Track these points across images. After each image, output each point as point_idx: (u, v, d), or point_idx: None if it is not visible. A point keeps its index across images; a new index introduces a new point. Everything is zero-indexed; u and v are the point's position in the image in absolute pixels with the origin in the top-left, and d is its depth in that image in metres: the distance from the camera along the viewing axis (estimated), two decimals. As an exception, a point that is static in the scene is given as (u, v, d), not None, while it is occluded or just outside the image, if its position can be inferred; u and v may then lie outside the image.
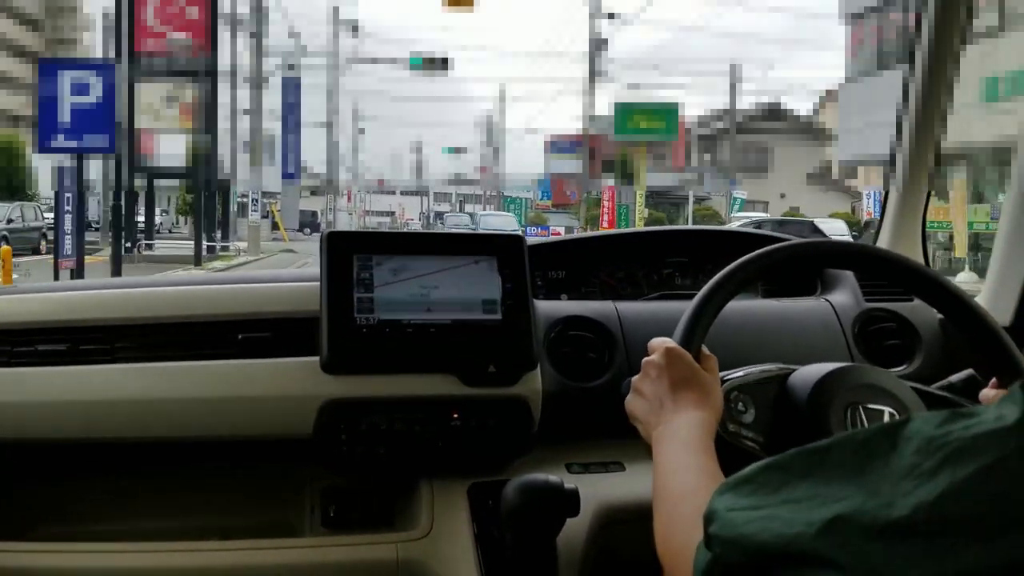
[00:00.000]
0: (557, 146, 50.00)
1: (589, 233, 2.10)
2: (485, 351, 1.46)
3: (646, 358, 1.04)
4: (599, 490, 1.49)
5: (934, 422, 0.58)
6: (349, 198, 52.75)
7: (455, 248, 1.51)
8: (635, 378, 1.05)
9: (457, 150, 63.13)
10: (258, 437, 1.48)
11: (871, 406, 1.04)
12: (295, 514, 1.62)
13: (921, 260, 1.93)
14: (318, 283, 1.45)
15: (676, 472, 0.89)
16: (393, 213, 66.02)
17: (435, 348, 1.45)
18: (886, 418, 1.03)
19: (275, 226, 32.85)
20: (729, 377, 1.10)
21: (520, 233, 1.59)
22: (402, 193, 70.04)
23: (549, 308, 1.62)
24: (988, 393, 1.11)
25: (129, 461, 1.60)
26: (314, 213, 43.44)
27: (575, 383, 1.55)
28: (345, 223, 43.32)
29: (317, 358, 1.43)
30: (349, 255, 1.46)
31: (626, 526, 1.48)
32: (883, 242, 1.96)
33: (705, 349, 1.07)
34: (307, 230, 38.85)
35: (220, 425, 1.45)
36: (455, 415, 1.47)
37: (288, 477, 1.63)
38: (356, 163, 61.04)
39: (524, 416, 1.49)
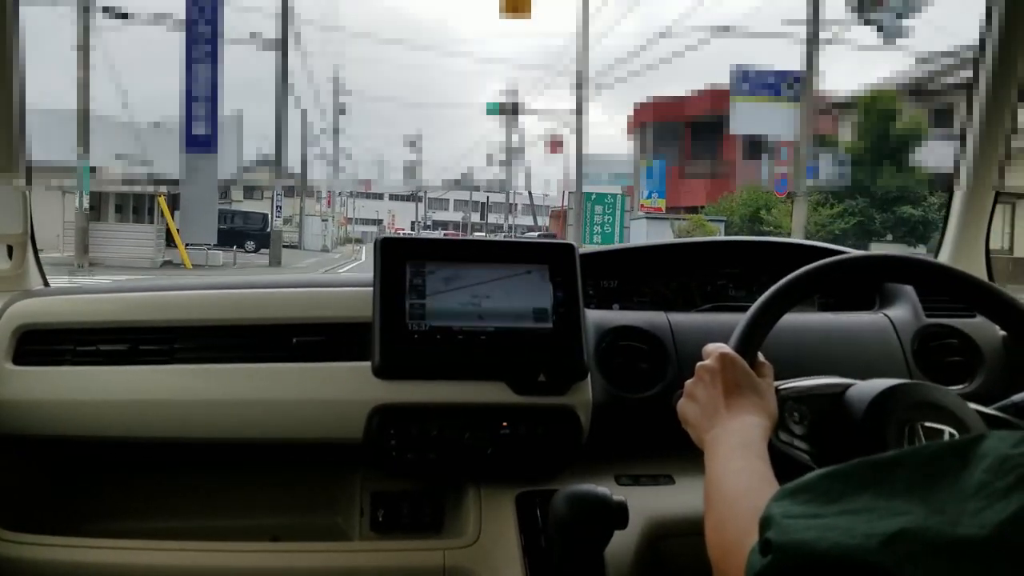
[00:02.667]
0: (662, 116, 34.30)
1: (642, 244, 2.08)
2: (535, 359, 1.46)
3: (700, 363, 1.03)
4: (648, 503, 1.48)
5: (1010, 441, 0.56)
6: (329, 202, 44.34)
7: (507, 256, 1.51)
8: (688, 382, 1.04)
9: (513, 109, 39.01)
10: (309, 440, 1.49)
11: (929, 424, 1.01)
12: (344, 518, 1.63)
13: (984, 272, 1.88)
14: (371, 289, 1.47)
15: (730, 474, 0.88)
16: (381, 221, 57.54)
17: (485, 355, 1.45)
18: (945, 438, 1.00)
19: (170, 238, 19.73)
20: (784, 387, 1.08)
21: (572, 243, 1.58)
22: (392, 197, 61.19)
23: (600, 318, 1.61)
24: None
25: (183, 461, 1.63)
26: (264, 217, 28.48)
27: (625, 394, 1.54)
28: (315, 238, 36.52)
29: (369, 363, 1.44)
30: (402, 262, 1.47)
31: (676, 540, 1.47)
32: (945, 252, 1.91)
33: (761, 356, 1.06)
34: (250, 244, 27.14)
35: (273, 427, 1.47)
36: (504, 423, 1.47)
37: (338, 481, 1.65)
38: (337, 154, 50.05)
39: (573, 426, 1.49)
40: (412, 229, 54.79)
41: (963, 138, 1.84)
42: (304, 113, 35.97)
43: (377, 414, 1.45)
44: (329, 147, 48.82)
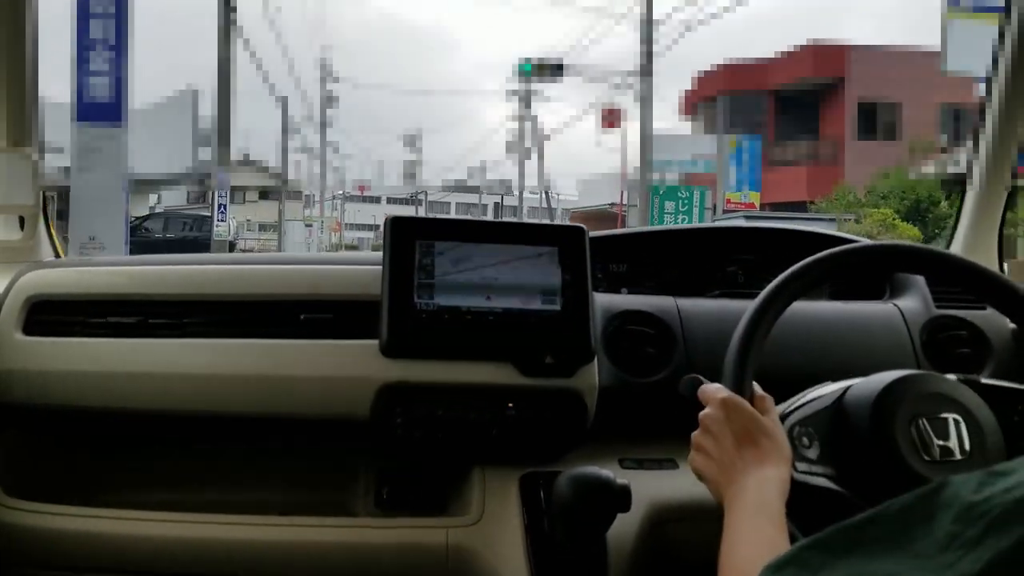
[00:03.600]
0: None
1: (652, 228, 2.07)
2: (542, 341, 1.46)
3: (703, 413, 1.01)
4: (651, 487, 1.48)
5: (971, 486, 0.56)
6: (321, 207, 39.13)
7: (517, 237, 1.51)
8: (695, 435, 1.01)
9: (554, 69, 26.52)
10: (317, 417, 1.50)
11: (935, 416, 1.00)
12: (349, 495, 1.64)
13: (996, 264, 1.87)
14: (380, 267, 1.47)
15: (741, 543, 0.87)
16: (378, 227, 54.46)
17: (493, 336, 1.45)
18: (951, 427, 1.00)
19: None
20: (787, 412, 1.07)
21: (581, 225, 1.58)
22: (390, 201, 56.64)
23: (609, 301, 1.61)
24: None
25: (192, 434, 1.65)
26: (197, 221, 21.43)
27: (632, 378, 1.54)
28: (297, 246, 29.30)
29: (376, 341, 1.44)
30: (411, 240, 1.47)
31: (678, 524, 1.47)
32: (957, 244, 1.89)
33: (758, 389, 1.04)
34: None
35: (279, 403, 1.48)
36: (510, 404, 1.47)
37: (344, 458, 1.66)
38: (324, 149, 42.85)
39: (579, 409, 1.49)
40: None
41: (976, 138, 1.82)
42: (284, 102, 31.13)
43: (384, 392, 1.45)
44: (316, 142, 42.10)
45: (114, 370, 1.47)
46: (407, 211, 54.80)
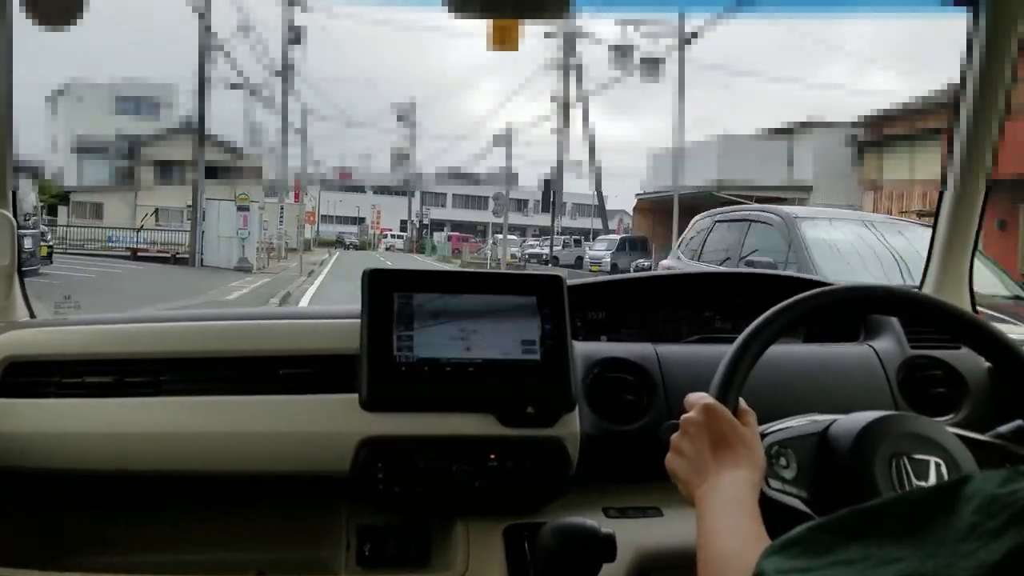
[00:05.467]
0: None
1: (630, 276, 2.09)
2: (523, 391, 1.46)
3: (684, 416, 1.02)
4: (636, 536, 1.48)
5: (996, 481, 0.56)
6: (297, 196, 29.53)
7: (495, 287, 1.52)
8: (674, 436, 1.03)
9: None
10: (296, 473, 1.48)
11: (916, 456, 1.01)
12: (330, 552, 1.61)
13: (968, 301, 1.89)
14: (359, 320, 1.47)
15: (720, 534, 0.88)
16: (363, 220, 46.69)
17: (473, 387, 1.45)
18: (932, 469, 1.00)
19: None
20: (769, 431, 1.08)
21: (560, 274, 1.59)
22: (376, 191, 49.12)
23: (588, 349, 1.61)
24: None
25: (169, 494, 1.62)
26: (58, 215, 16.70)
27: (613, 426, 1.54)
28: (225, 245, 21.77)
29: (356, 395, 1.44)
30: (390, 293, 1.47)
31: (664, 573, 1.46)
32: (930, 281, 1.92)
33: (743, 403, 1.05)
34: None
35: (259, 460, 1.46)
36: (492, 455, 1.47)
37: (325, 514, 1.63)
38: (286, 111, 29.86)
39: (561, 458, 1.48)
40: (404, 230, 42.96)
41: (950, 140, 1.83)
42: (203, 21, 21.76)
43: (364, 447, 1.44)
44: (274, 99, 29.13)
45: (90, 431, 1.45)
46: (397, 203, 47.12)
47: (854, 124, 24.27)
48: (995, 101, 1.71)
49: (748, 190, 23.56)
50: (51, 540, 1.58)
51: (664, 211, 26.92)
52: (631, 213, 35.70)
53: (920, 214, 16.50)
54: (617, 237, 29.36)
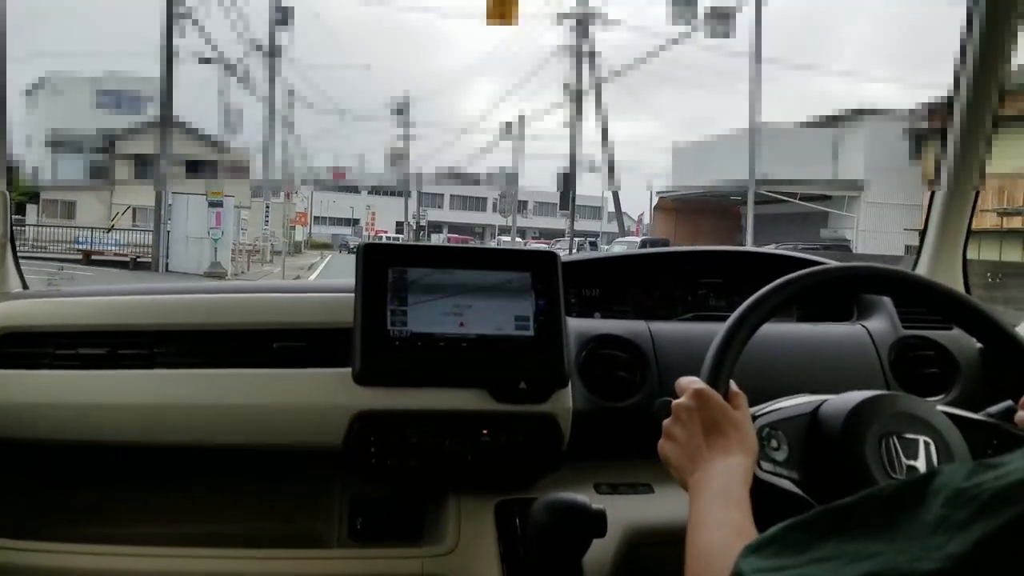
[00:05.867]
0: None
1: (624, 252, 2.09)
2: (516, 367, 1.46)
3: (675, 401, 1.03)
4: (627, 511, 1.49)
5: (962, 474, 0.57)
6: (288, 196, 27.12)
7: (489, 263, 1.51)
8: (666, 422, 1.03)
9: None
10: (289, 446, 1.49)
11: (906, 436, 1.02)
12: (323, 525, 1.62)
13: (961, 283, 1.90)
14: (353, 295, 1.47)
15: (708, 527, 0.88)
16: (357, 222, 44.58)
17: (466, 362, 1.45)
18: (921, 447, 1.01)
19: None
20: (759, 414, 1.08)
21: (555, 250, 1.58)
22: (372, 192, 47.31)
23: (582, 326, 1.61)
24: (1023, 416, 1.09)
25: (162, 466, 1.62)
26: None
27: (606, 402, 1.54)
28: (193, 247, 19.16)
29: (350, 369, 1.44)
30: (384, 267, 1.47)
31: (654, 548, 1.47)
32: (923, 262, 1.92)
33: (734, 386, 1.05)
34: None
35: (252, 433, 1.46)
36: (485, 431, 1.47)
37: (317, 488, 1.64)
38: (273, 96, 27.72)
39: (554, 434, 1.49)
40: (401, 232, 40.64)
41: (943, 137, 1.84)
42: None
43: (357, 420, 1.44)
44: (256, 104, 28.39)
45: (84, 402, 1.45)
46: (392, 204, 44.23)
47: (912, 112, 22.11)
48: (989, 95, 1.73)
49: (790, 185, 21.42)
50: (46, 511, 1.59)
51: (690, 211, 24.79)
52: (632, 215, 33.16)
53: (1004, 213, 15.75)
54: (637, 239, 26.92)
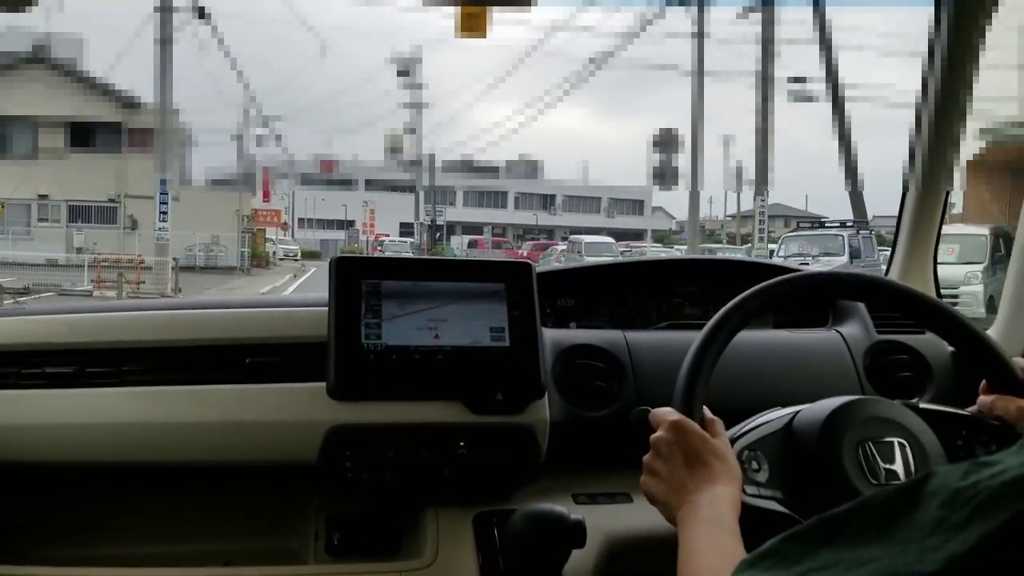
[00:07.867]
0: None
1: (598, 261, 2.09)
2: (492, 378, 1.45)
3: (654, 435, 1.01)
4: (606, 521, 1.48)
5: (957, 474, 0.57)
6: (266, 195, 24.22)
7: (463, 274, 1.51)
8: (647, 457, 1.02)
9: None
10: (264, 462, 1.47)
11: (882, 439, 1.03)
12: (299, 541, 1.60)
13: (932, 288, 1.92)
14: (326, 308, 1.45)
15: (700, 554, 0.87)
16: (352, 223, 36.59)
17: (442, 374, 1.44)
18: (896, 450, 1.02)
19: None
20: (737, 436, 1.08)
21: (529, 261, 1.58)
22: (369, 186, 39.33)
23: (557, 336, 1.61)
24: (985, 400, 1.11)
25: (134, 485, 1.60)
26: None
27: (583, 412, 1.54)
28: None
29: (324, 384, 1.42)
30: (357, 280, 1.46)
31: (632, 557, 1.47)
32: (895, 268, 1.94)
33: (708, 412, 1.04)
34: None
35: (226, 450, 1.44)
36: (461, 443, 1.46)
37: (293, 504, 1.62)
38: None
39: (531, 445, 1.48)
40: (409, 234, 33.58)
41: (911, 152, 1.86)
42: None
43: (333, 435, 1.43)
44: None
45: (51, 422, 1.42)
46: (395, 201, 36.21)
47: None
48: (958, 96, 1.74)
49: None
50: (13, 532, 1.56)
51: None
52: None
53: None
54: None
